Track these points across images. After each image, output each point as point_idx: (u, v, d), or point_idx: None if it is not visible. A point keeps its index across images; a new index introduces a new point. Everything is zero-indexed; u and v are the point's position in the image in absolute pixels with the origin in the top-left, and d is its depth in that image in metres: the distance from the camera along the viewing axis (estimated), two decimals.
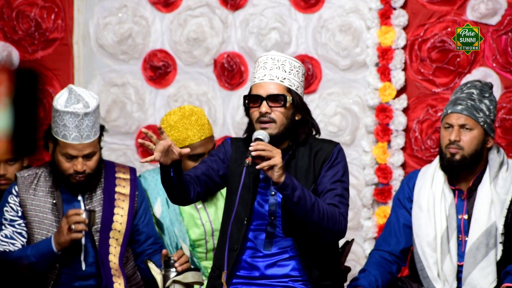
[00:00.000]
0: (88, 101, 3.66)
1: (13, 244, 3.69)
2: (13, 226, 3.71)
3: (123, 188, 3.80)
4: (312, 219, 3.14)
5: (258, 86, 3.28)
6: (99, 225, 3.72)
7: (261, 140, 3.17)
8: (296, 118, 3.30)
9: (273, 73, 3.27)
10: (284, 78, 3.27)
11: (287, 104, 3.25)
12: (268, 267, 3.29)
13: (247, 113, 3.33)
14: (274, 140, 3.23)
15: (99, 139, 3.75)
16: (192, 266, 3.73)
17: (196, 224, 3.97)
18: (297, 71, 3.31)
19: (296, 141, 3.31)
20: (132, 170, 3.88)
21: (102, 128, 3.78)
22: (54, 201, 3.70)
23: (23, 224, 3.71)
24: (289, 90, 3.27)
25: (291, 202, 3.12)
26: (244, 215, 3.28)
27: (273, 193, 3.28)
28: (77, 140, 3.65)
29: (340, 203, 3.23)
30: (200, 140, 3.94)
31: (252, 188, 3.29)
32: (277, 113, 3.25)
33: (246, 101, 3.29)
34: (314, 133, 3.38)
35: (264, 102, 3.24)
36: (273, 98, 3.25)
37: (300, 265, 3.28)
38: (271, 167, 3.06)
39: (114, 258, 3.72)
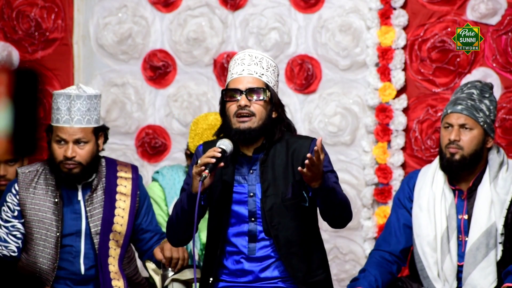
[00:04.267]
0: (84, 88, 3.67)
1: (6, 247, 3.67)
2: (7, 228, 3.69)
3: (124, 187, 3.77)
4: (334, 208, 3.16)
5: (236, 81, 3.23)
6: (100, 228, 3.69)
7: (224, 150, 3.12)
8: (273, 115, 3.26)
9: (251, 68, 3.23)
10: (262, 74, 3.23)
11: (266, 98, 3.21)
12: (261, 271, 3.25)
13: (222, 111, 3.27)
14: (252, 135, 3.20)
15: (96, 134, 3.71)
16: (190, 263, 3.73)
17: None
18: (273, 70, 3.27)
19: (271, 139, 3.26)
20: (134, 168, 3.83)
21: (104, 129, 3.76)
22: (56, 200, 3.67)
23: (18, 225, 3.68)
24: (267, 86, 3.23)
25: (320, 196, 3.12)
26: (223, 219, 3.24)
27: (251, 194, 3.23)
28: (67, 123, 3.63)
29: (340, 189, 3.23)
30: None
31: (228, 191, 3.25)
32: (257, 106, 3.19)
33: (224, 96, 3.23)
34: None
35: (243, 96, 3.18)
36: (252, 92, 3.20)
37: (283, 266, 3.24)
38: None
39: (113, 260, 3.69)
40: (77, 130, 3.64)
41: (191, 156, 4.04)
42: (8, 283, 1.95)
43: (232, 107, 3.21)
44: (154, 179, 4.14)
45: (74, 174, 3.65)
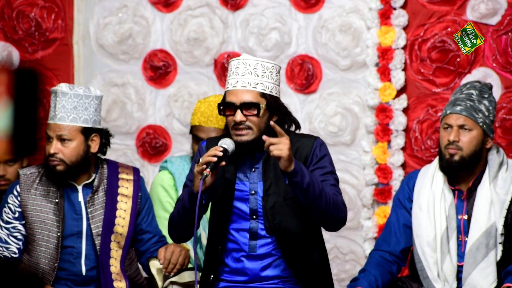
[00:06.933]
0: (76, 86, 3.65)
1: (7, 248, 3.67)
2: (8, 229, 3.69)
3: (125, 189, 3.76)
4: (319, 205, 3.11)
5: (231, 94, 3.22)
6: (101, 229, 3.68)
7: (225, 149, 3.14)
8: (273, 119, 3.25)
9: (245, 79, 3.21)
10: (257, 84, 3.21)
11: (261, 112, 3.20)
12: (261, 270, 3.26)
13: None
14: (251, 146, 3.21)
15: (87, 135, 3.67)
16: (190, 266, 3.73)
17: None
18: (270, 72, 3.24)
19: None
20: (136, 171, 3.83)
21: (101, 132, 3.73)
22: (57, 201, 3.67)
23: (19, 227, 3.68)
24: (263, 95, 3.21)
25: (300, 188, 3.07)
26: (224, 217, 3.26)
27: (252, 192, 3.24)
28: (52, 120, 3.64)
29: (338, 192, 3.22)
30: (218, 128, 4.01)
31: (229, 188, 3.26)
32: (253, 120, 3.20)
33: (221, 108, 3.24)
34: (294, 128, 3.34)
35: (238, 111, 3.18)
36: (247, 106, 3.19)
37: (284, 264, 3.25)
38: (278, 158, 3.04)
39: (115, 262, 3.68)
40: (60, 127, 3.62)
41: (195, 136, 4.07)
42: (9, 284, 1.95)
43: (230, 120, 3.22)
44: (162, 168, 4.14)
45: (58, 171, 3.65)
